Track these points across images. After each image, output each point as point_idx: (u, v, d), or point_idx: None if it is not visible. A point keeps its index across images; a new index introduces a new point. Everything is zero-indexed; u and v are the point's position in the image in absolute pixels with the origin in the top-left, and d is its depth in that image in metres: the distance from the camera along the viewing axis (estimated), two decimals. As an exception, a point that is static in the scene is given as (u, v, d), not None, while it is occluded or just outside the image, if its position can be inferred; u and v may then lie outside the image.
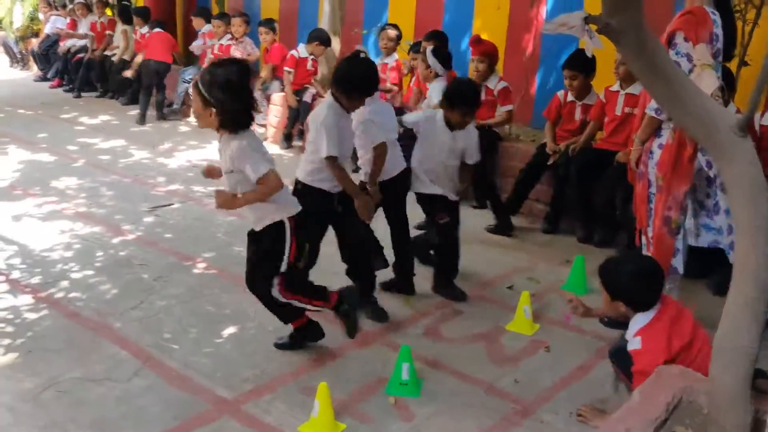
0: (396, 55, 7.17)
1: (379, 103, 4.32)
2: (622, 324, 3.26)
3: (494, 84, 6.15)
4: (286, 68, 7.86)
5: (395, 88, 7.23)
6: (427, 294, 4.51)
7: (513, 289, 4.66)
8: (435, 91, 5.81)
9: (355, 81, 3.85)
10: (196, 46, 9.52)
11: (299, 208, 3.50)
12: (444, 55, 6.01)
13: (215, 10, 10.00)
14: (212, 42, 9.05)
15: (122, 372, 3.49)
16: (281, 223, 3.41)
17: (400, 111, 5.80)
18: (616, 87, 5.52)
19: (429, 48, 6.05)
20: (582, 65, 5.61)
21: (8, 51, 13.30)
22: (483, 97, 6.15)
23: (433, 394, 3.40)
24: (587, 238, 5.56)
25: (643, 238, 4.03)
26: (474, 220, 5.86)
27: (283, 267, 3.45)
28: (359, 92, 3.88)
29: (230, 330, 3.98)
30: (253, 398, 3.32)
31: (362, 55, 4.07)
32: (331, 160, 3.83)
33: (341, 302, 3.63)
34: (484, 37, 6.28)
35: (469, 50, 7.29)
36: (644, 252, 3.98)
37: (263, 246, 3.49)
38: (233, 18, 8.78)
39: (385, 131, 4.13)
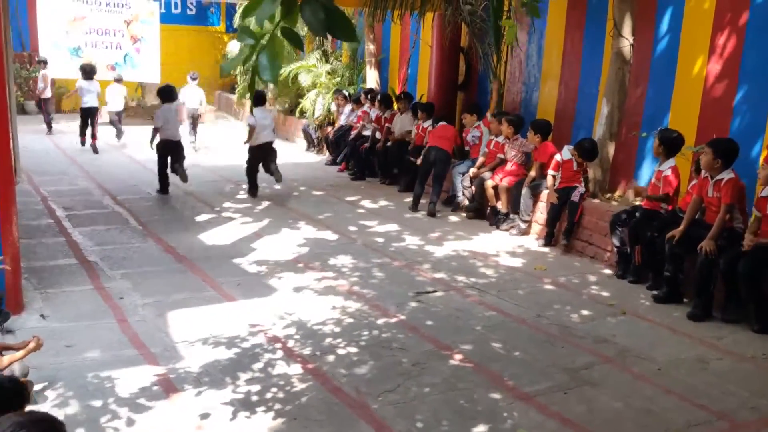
0: (673, 161, 6.81)
1: None
2: None
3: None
4: (550, 171, 7.87)
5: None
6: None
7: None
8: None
9: None
10: (468, 139, 9.97)
11: None
12: None
13: (492, 109, 10.35)
14: (490, 137, 9.36)
15: (374, 454, 3.62)
16: None
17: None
18: None
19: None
20: None
21: (307, 136, 14.89)
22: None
23: None
24: None
25: None
26: (760, 344, 5.33)
27: None
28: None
29: (481, 429, 3.95)
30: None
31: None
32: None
33: None
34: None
35: (757, 158, 6.82)
36: None
37: None
38: (503, 119, 9.00)
39: None
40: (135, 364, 4.53)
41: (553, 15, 9.80)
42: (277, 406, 4.09)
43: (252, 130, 9.97)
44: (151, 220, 8.34)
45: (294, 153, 14.67)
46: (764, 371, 4.92)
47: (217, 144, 15.15)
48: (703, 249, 5.77)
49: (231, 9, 21.80)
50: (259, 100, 10.38)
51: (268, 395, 4.21)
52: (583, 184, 7.77)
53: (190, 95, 14.65)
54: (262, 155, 10.12)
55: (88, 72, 13.90)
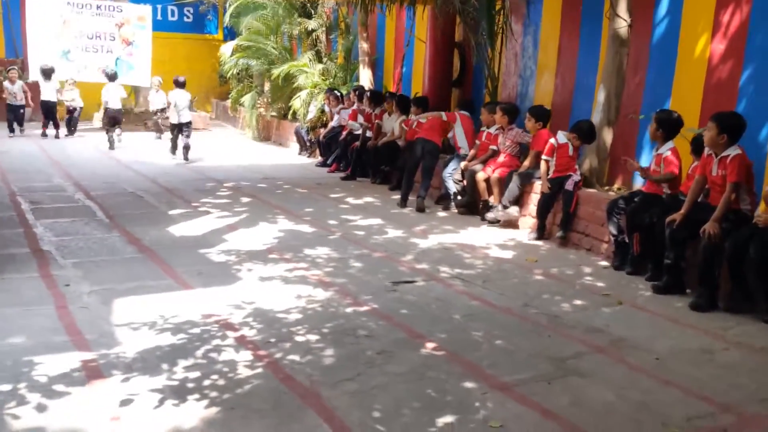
0: (672, 144, 6.29)
1: None
2: None
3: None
4: (543, 157, 7.36)
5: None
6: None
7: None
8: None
9: None
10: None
11: None
12: None
13: (487, 99, 9.87)
14: (482, 129, 8.88)
15: (318, 446, 3.09)
16: None
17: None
18: None
19: None
20: None
21: (299, 139, 14.42)
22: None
23: None
24: None
25: None
26: None
27: None
28: None
29: (448, 419, 3.41)
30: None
31: None
32: None
33: None
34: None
35: (766, 140, 6.32)
36: None
37: None
38: (497, 108, 8.53)
39: None
40: (62, 351, 4.01)
41: (548, 5, 9.35)
42: (214, 394, 3.56)
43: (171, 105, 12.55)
44: (121, 214, 7.84)
45: (286, 156, 14.22)
46: (776, 363, 4.37)
47: (208, 148, 14.71)
48: (706, 232, 5.22)
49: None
50: (178, 84, 12.49)
51: (207, 382, 3.69)
52: (578, 172, 7.25)
53: (156, 98, 15.94)
54: (178, 130, 12.57)
55: (47, 73, 15.31)
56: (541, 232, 7.37)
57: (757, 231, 5.08)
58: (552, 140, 7.36)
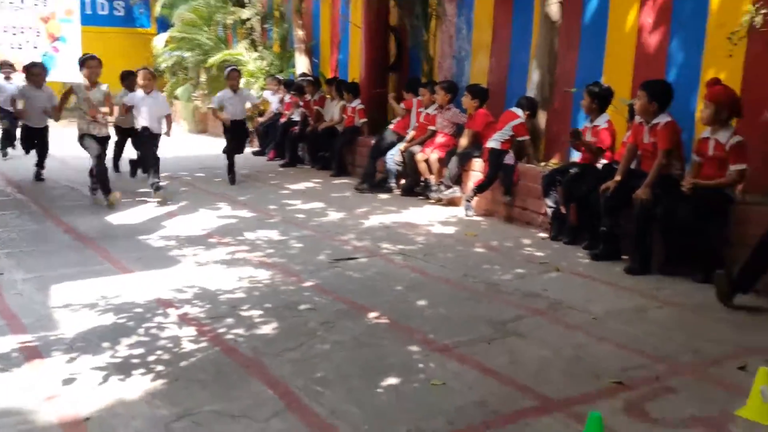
0: (607, 116, 6.48)
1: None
2: None
3: (726, 138, 5.26)
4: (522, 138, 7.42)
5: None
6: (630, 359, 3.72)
7: (746, 369, 3.70)
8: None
9: None
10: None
11: None
12: None
13: (424, 80, 9.95)
14: (419, 109, 8.95)
15: (262, 411, 3.09)
16: None
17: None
18: None
19: None
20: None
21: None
22: (711, 152, 5.32)
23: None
24: None
25: None
26: (702, 294, 4.97)
27: None
28: None
29: (391, 381, 3.46)
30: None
31: None
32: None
33: None
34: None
35: (694, 105, 6.53)
36: None
37: None
38: (437, 87, 8.61)
39: None
40: (-3, 335, 3.92)
41: (481, -15, 9.48)
42: (159, 367, 3.52)
43: None
44: (55, 206, 7.66)
45: (221, 146, 14.03)
46: (707, 318, 4.55)
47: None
48: (638, 198, 5.39)
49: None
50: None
51: (151, 358, 3.64)
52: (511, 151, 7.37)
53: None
54: None
55: None
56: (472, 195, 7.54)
57: (684, 197, 5.25)
58: (519, 120, 7.38)
